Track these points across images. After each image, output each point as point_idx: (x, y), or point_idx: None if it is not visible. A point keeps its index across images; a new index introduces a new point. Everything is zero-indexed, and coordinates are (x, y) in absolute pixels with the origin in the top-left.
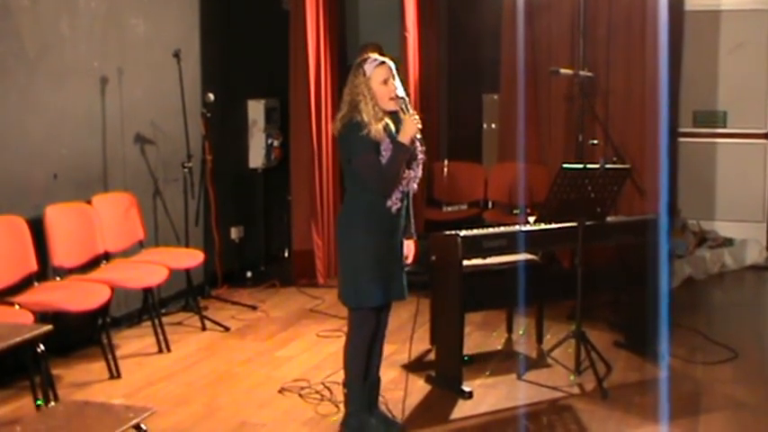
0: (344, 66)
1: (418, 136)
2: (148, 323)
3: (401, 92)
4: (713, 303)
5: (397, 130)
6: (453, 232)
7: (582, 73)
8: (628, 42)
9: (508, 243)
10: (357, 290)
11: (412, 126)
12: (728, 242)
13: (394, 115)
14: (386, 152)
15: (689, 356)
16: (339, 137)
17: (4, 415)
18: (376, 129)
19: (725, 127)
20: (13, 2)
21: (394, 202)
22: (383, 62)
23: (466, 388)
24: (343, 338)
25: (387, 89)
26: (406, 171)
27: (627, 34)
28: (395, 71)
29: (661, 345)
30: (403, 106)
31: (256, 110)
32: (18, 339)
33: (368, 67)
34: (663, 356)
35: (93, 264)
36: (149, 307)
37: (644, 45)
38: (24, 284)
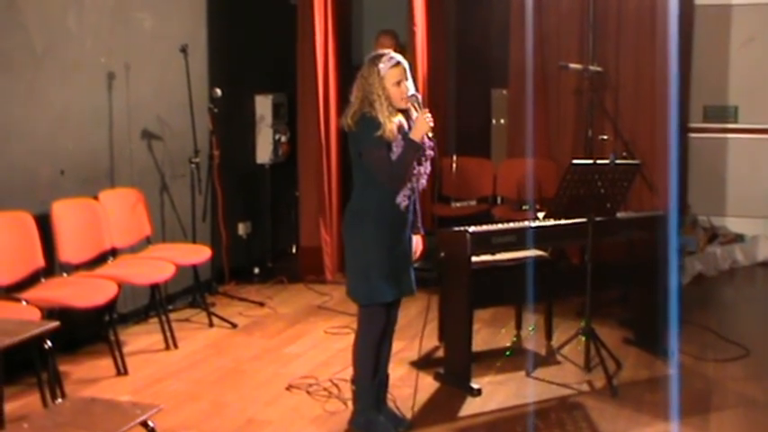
0: (352, 61)
1: (430, 134)
2: (155, 319)
3: (413, 90)
4: (724, 300)
5: (409, 126)
6: (462, 228)
7: (591, 68)
8: (637, 37)
9: (517, 239)
10: (368, 286)
11: (424, 124)
12: (739, 238)
13: (405, 112)
14: (397, 148)
15: (699, 354)
16: (350, 131)
17: (12, 411)
18: (390, 129)
19: (736, 122)
20: None
21: (403, 199)
22: (398, 63)
23: (474, 385)
24: (352, 335)
25: (400, 90)
26: (416, 167)
27: (637, 28)
28: (409, 72)
29: (671, 342)
30: (415, 104)
31: (264, 105)
32: (25, 336)
33: (383, 67)
34: (673, 354)
35: (99, 260)
36: (156, 303)
37: (654, 39)
38: (31, 280)
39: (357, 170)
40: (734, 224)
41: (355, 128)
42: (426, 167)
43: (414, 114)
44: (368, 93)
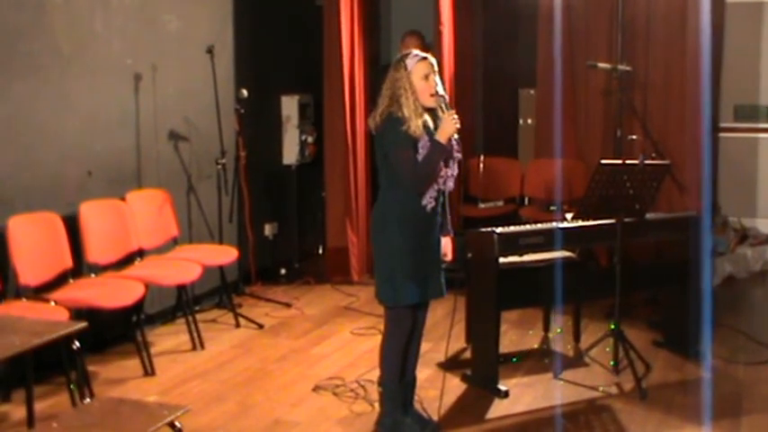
0: (379, 61)
1: (456, 135)
2: (182, 320)
3: (441, 89)
4: (755, 302)
5: (435, 128)
6: (489, 229)
7: (620, 67)
8: (667, 35)
9: (545, 240)
10: (393, 288)
11: (450, 125)
12: None
13: (432, 112)
14: (423, 150)
15: (730, 356)
16: (377, 132)
17: (42, 411)
18: (416, 125)
19: (767, 122)
20: None
21: (429, 201)
22: (425, 57)
23: (502, 387)
24: (378, 336)
25: (427, 85)
26: (443, 169)
27: (666, 27)
28: (436, 67)
29: (702, 344)
30: (442, 104)
31: (290, 106)
32: (54, 336)
33: (409, 62)
34: (703, 356)
35: (127, 260)
36: (183, 304)
37: (684, 38)
38: (59, 281)
39: (383, 172)
40: (765, 225)
41: (382, 127)
42: (453, 170)
43: (440, 115)
44: (395, 89)
